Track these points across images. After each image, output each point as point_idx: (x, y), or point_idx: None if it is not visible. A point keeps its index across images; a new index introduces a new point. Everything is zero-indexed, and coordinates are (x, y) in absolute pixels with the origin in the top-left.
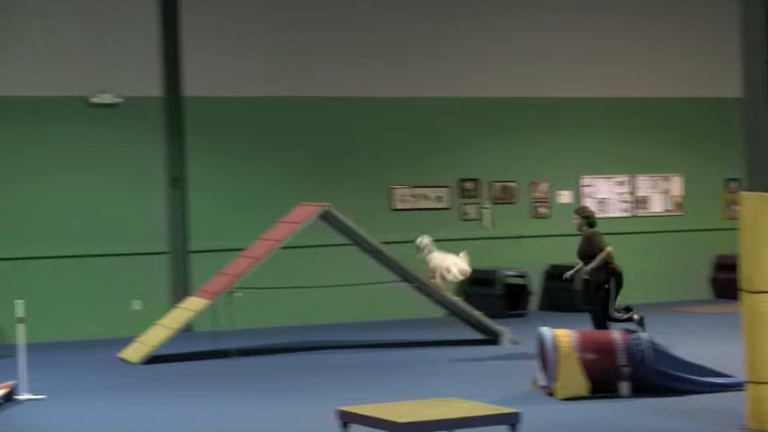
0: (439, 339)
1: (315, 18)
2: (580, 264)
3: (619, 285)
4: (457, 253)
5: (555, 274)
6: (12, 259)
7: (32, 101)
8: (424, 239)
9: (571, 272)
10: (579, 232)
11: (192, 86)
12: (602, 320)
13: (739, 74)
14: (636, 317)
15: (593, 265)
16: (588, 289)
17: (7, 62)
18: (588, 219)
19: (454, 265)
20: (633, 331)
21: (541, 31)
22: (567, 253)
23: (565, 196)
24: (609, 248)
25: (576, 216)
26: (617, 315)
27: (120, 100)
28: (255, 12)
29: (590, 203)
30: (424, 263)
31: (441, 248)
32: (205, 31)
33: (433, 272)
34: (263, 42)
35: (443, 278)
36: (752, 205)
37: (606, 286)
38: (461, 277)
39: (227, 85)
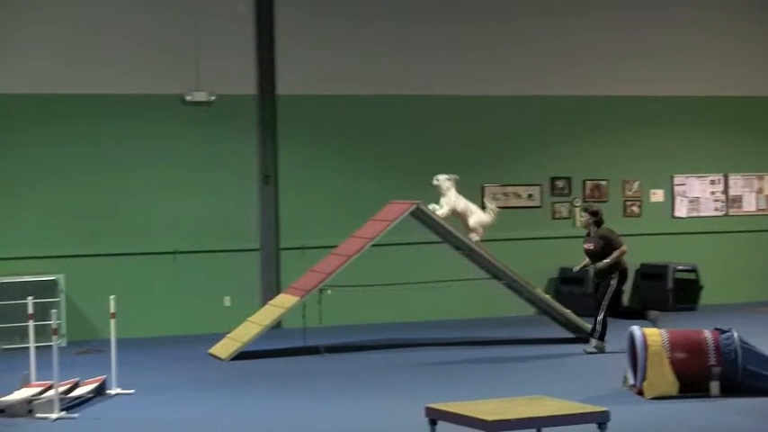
0: (529, 337)
1: (409, 15)
2: (587, 260)
3: (622, 281)
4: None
5: (646, 273)
6: (104, 255)
7: (128, 98)
8: (440, 177)
9: (579, 267)
10: (587, 229)
11: (284, 84)
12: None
13: None
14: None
15: (607, 261)
16: (598, 285)
17: (102, 60)
18: (596, 216)
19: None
20: (725, 330)
21: (637, 28)
22: (658, 252)
23: (657, 195)
24: (624, 248)
25: (583, 214)
26: (601, 317)
27: (213, 98)
28: (349, 9)
29: (682, 202)
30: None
31: (533, 246)
32: (299, 29)
33: (462, 213)
34: (355, 40)
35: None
36: None
37: (611, 276)
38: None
39: (319, 83)
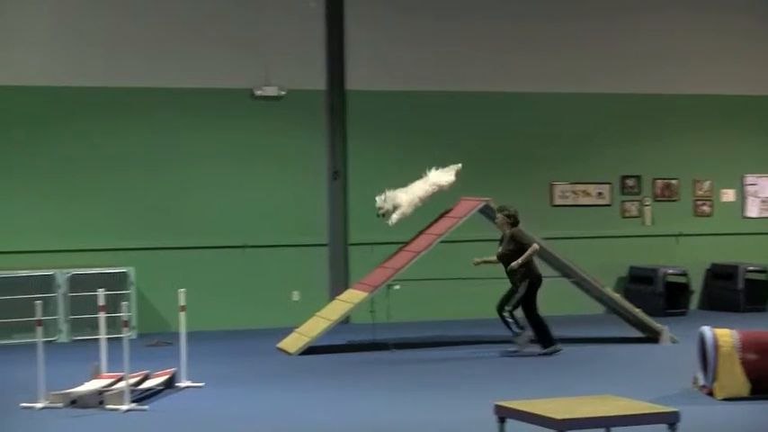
0: (598, 336)
1: (479, 11)
2: (492, 257)
3: (533, 288)
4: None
5: (716, 273)
6: (175, 248)
7: (198, 92)
8: (380, 202)
9: (479, 260)
10: (502, 231)
11: (354, 80)
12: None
13: None
14: (527, 334)
15: (520, 260)
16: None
17: (172, 54)
18: (511, 217)
19: (432, 185)
20: None
21: (709, 29)
22: (728, 252)
23: (728, 195)
24: (536, 246)
25: (498, 215)
26: (509, 317)
27: (283, 93)
28: (419, 4)
29: (753, 202)
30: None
31: (602, 245)
32: (369, 24)
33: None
34: (425, 35)
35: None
36: None
37: (522, 284)
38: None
39: (389, 78)
